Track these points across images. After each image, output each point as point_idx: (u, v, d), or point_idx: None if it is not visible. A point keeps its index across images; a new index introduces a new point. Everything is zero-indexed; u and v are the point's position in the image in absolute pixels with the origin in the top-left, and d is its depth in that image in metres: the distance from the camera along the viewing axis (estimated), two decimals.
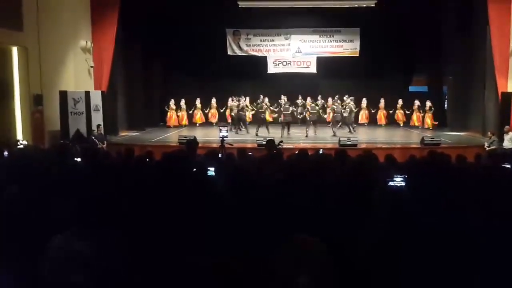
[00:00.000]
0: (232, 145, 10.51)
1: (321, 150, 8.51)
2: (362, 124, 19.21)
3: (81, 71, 14.84)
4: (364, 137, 15.55)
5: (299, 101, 17.45)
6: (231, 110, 17.47)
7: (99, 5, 15.03)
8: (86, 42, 14.86)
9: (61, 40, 13.66)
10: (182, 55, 19.37)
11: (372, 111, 19.60)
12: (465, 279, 2.07)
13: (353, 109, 17.15)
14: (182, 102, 19.12)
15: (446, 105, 19.73)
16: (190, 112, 19.37)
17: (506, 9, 14.09)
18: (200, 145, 7.44)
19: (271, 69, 20.56)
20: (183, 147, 7.64)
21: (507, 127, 12.14)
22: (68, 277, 1.92)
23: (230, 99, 18.30)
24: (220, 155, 7.37)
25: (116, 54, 15.35)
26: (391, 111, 19.52)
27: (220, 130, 10.60)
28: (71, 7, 14.15)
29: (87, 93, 14.03)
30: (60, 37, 13.57)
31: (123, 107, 17.26)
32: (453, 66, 17.78)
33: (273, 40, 20.45)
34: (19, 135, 12.23)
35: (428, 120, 18.47)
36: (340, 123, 16.78)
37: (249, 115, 17.98)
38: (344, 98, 17.42)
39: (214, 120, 19.51)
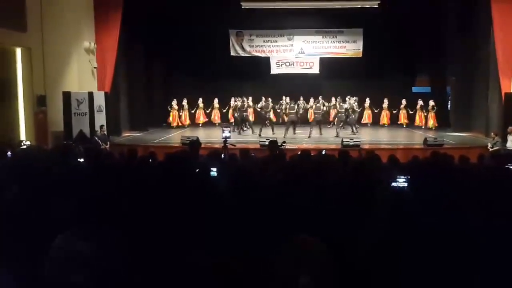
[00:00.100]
0: (235, 145, 10.51)
1: (324, 150, 8.49)
2: (365, 124, 19.20)
3: (84, 72, 14.88)
4: (367, 137, 15.53)
5: (301, 102, 17.44)
6: (234, 110, 17.48)
7: (102, 6, 15.05)
8: (90, 43, 14.90)
9: (64, 41, 13.71)
10: (184, 55, 19.41)
11: (375, 111, 19.56)
12: (465, 279, 2.06)
13: (356, 109, 17.15)
14: (185, 102, 19.14)
15: (449, 106, 19.69)
16: (193, 111, 19.39)
17: (509, 9, 14.06)
18: (202, 145, 7.44)
19: (274, 69, 20.59)
20: (186, 148, 7.64)
21: (510, 127, 12.09)
22: (68, 277, 1.92)
23: (232, 99, 18.32)
24: (222, 155, 7.37)
25: (118, 55, 15.38)
26: (394, 111, 19.48)
27: (223, 131, 10.62)
28: (75, 8, 14.19)
29: (91, 94, 14.07)
30: (63, 38, 13.62)
31: (126, 107, 17.31)
32: (456, 67, 17.76)
33: (276, 41, 20.47)
34: (23, 136, 12.29)
35: (431, 120, 18.43)
36: (342, 123, 16.76)
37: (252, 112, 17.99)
38: (346, 98, 17.38)
39: (216, 120, 19.52)
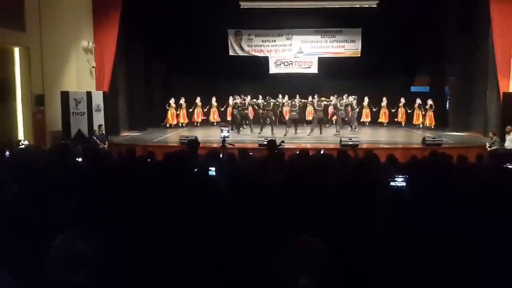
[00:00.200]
0: (233, 145, 10.51)
1: (322, 150, 8.49)
2: (364, 123, 19.22)
3: (83, 71, 14.87)
4: (365, 137, 15.55)
5: (297, 100, 17.44)
6: (233, 108, 17.46)
7: (101, 5, 15.05)
8: (88, 42, 14.89)
9: (63, 40, 13.70)
10: (183, 55, 19.40)
11: (374, 109, 19.58)
12: (465, 279, 2.07)
13: (355, 106, 17.19)
14: (182, 101, 19.11)
15: (447, 106, 19.72)
16: (191, 110, 19.37)
17: (508, 9, 14.09)
18: (201, 145, 7.43)
19: (273, 69, 20.60)
20: (185, 147, 7.64)
21: (508, 127, 12.12)
22: (68, 277, 1.92)
23: (231, 97, 18.33)
24: (221, 155, 7.37)
25: (117, 55, 15.36)
26: (393, 110, 19.50)
27: (222, 131, 10.61)
28: (73, 8, 14.18)
29: (89, 94, 14.06)
30: (62, 37, 13.60)
31: (124, 107, 17.29)
32: (455, 66, 17.77)
33: (275, 41, 20.47)
34: (21, 136, 12.26)
35: (428, 119, 18.47)
36: (341, 121, 16.77)
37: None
38: (344, 97, 17.36)
39: (215, 119, 19.50)
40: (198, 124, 19.37)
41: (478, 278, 2.08)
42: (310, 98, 17.52)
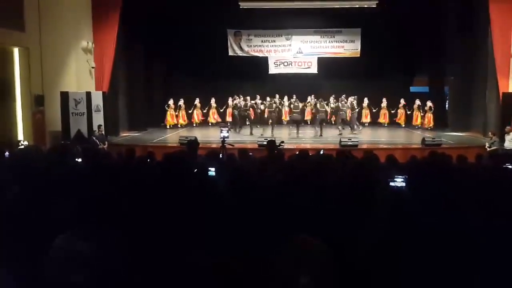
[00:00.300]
0: (233, 145, 10.52)
1: (322, 150, 8.50)
2: (364, 123, 19.22)
3: (82, 71, 14.86)
4: (365, 137, 15.55)
5: (293, 99, 17.43)
6: (233, 108, 17.46)
7: (100, 5, 15.05)
8: (88, 42, 14.89)
9: (62, 40, 13.70)
10: (183, 55, 19.40)
11: (374, 110, 19.58)
12: (465, 279, 2.07)
13: (355, 106, 17.22)
14: (181, 102, 19.11)
15: (447, 105, 19.72)
16: (190, 111, 19.37)
17: (507, 10, 14.10)
18: (201, 145, 7.44)
19: (272, 69, 20.61)
20: (184, 148, 7.64)
21: (508, 127, 12.14)
22: (68, 277, 1.92)
23: (230, 98, 18.34)
24: (221, 155, 7.37)
25: (117, 55, 15.36)
26: (393, 111, 19.50)
27: (221, 131, 10.61)
28: (73, 8, 14.18)
29: (88, 94, 14.06)
30: (61, 37, 13.60)
31: (124, 107, 17.28)
32: (454, 67, 17.79)
33: (274, 41, 20.48)
34: (20, 136, 12.25)
35: (427, 121, 18.48)
36: (342, 121, 16.77)
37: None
38: (342, 97, 17.35)
39: (213, 119, 19.49)
40: (196, 125, 19.33)
41: (478, 278, 2.08)
42: (308, 99, 17.50)
